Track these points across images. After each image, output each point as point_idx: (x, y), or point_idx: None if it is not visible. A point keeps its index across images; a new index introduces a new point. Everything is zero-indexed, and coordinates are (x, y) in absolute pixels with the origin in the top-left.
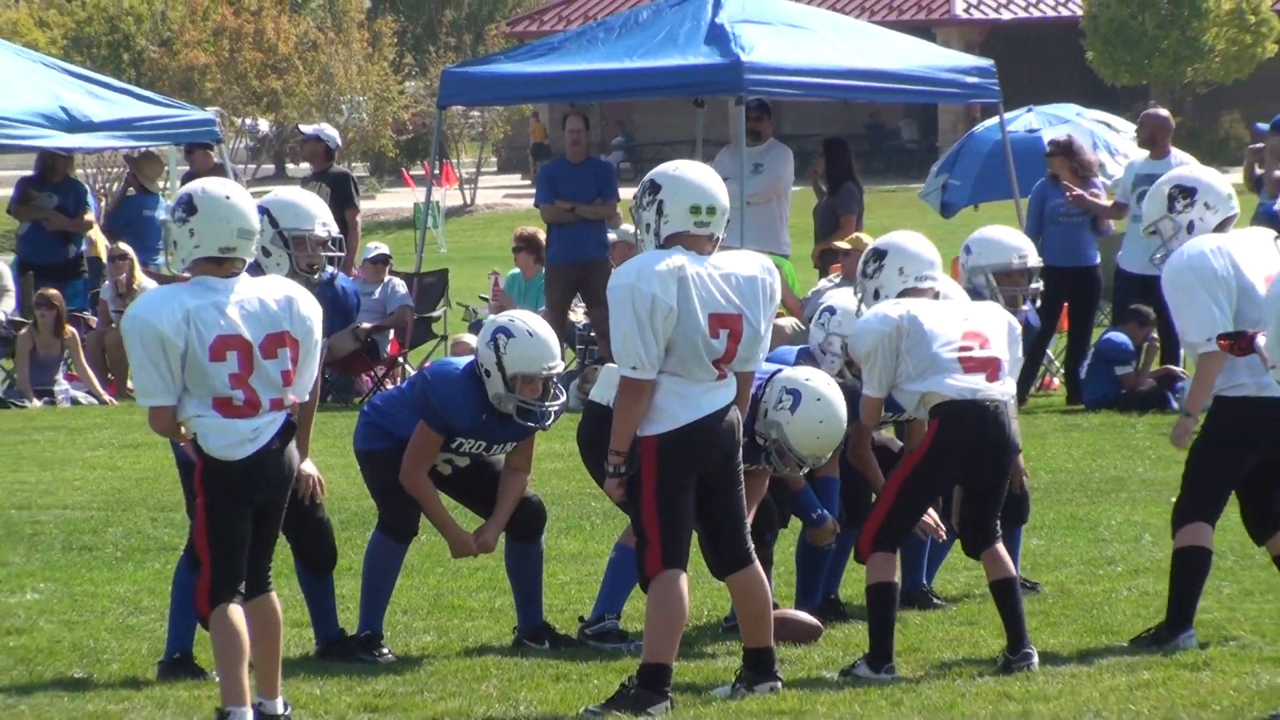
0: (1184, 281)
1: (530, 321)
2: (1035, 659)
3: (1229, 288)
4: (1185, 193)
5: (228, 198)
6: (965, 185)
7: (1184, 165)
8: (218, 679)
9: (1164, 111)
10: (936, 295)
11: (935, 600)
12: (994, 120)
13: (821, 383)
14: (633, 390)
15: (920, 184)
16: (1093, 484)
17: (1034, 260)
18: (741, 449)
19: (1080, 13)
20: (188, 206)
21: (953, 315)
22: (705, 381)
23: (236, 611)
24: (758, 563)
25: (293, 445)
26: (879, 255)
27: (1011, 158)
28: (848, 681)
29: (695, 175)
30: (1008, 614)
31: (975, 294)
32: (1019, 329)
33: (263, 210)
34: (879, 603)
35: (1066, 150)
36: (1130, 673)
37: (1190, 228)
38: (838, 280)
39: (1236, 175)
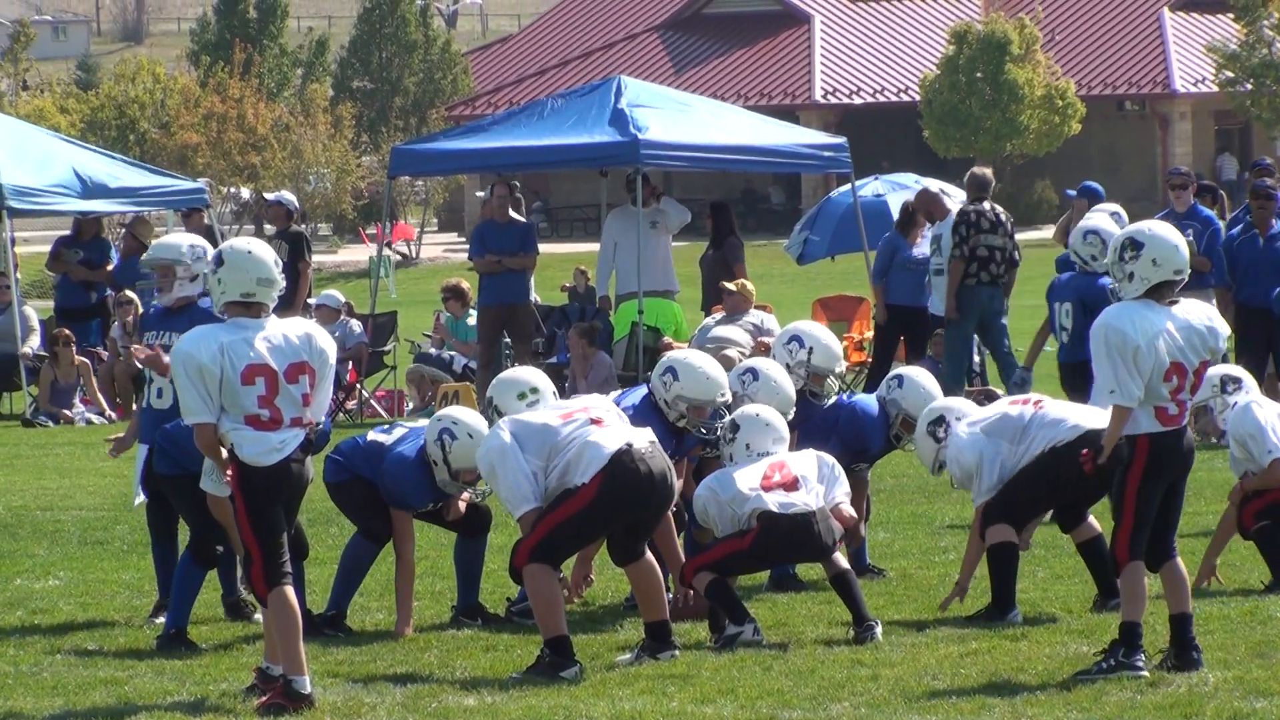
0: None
1: (471, 422)
2: (878, 630)
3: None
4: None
5: (249, 253)
6: (823, 240)
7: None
8: (274, 653)
9: (930, 187)
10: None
11: (799, 583)
12: (847, 187)
13: (678, 352)
14: (528, 521)
15: (786, 239)
16: (929, 487)
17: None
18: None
19: (918, 98)
20: (218, 260)
21: (757, 466)
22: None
23: (290, 592)
24: (649, 554)
25: (309, 460)
26: (734, 428)
27: (861, 218)
28: (725, 647)
29: (520, 374)
30: (847, 598)
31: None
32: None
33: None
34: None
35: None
36: (961, 643)
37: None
38: (720, 317)
39: (1048, 232)
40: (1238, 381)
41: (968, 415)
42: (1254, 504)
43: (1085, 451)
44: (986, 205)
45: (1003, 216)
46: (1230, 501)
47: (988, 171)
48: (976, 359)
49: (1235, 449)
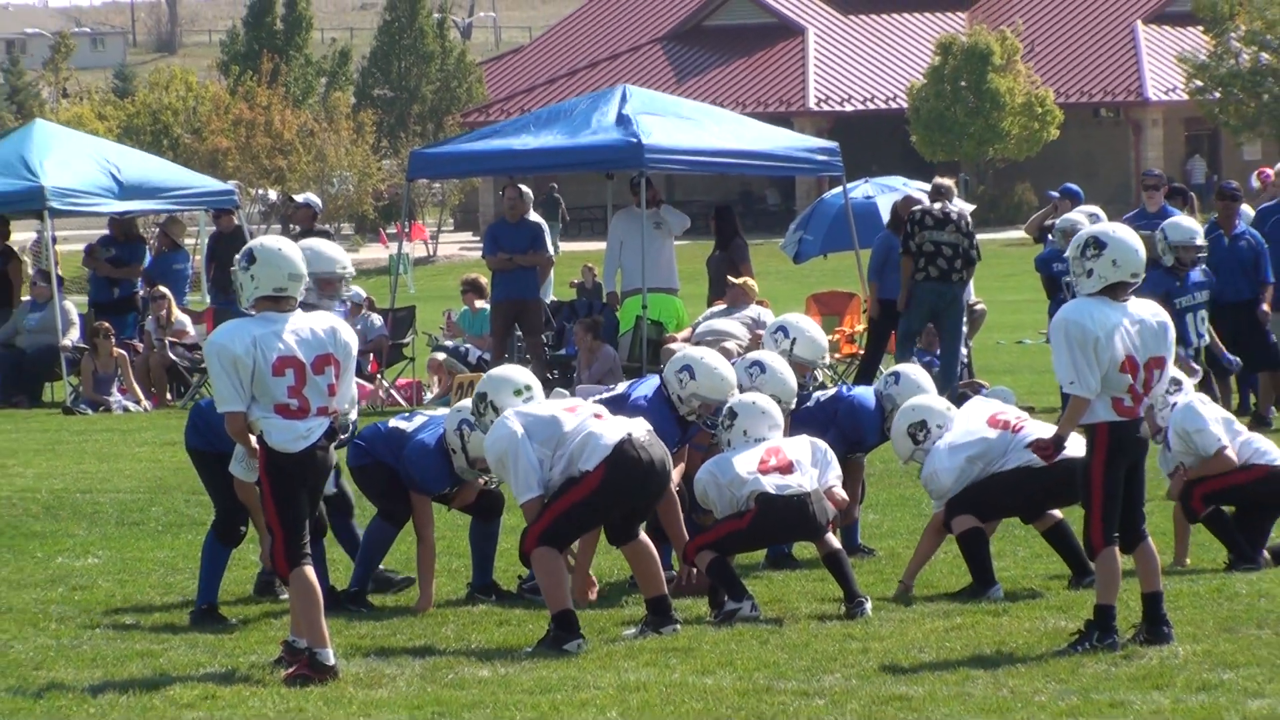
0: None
1: None
2: (868, 606)
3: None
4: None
5: (280, 249)
6: (816, 239)
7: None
8: (299, 627)
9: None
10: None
11: (794, 562)
12: (839, 189)
13: (695, 350)
14: (532, 508)
15: (782, 239)
16: (915, 470)
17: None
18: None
19: (906, 105)
20: (249, 257)
21: (755, 451)
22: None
23: (310, 571)
24: (644, 535)
25: (332, 448)
26: (732, 415)
27: (852, 218)
28: (724, 621)
29: (512, 372)
30: (839, 576)
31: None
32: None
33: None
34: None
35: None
36: (946, 618)
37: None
38: (721, 309)
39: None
40: (1178, 383)
41: (949, 422)
42: (1201, 488)
43: (1045, 442)
44: (937, 205)
45: (954, 215)
46: (1171, 498)
47: (947, 180)
48: (964, 352)
49: (1176, 443)
